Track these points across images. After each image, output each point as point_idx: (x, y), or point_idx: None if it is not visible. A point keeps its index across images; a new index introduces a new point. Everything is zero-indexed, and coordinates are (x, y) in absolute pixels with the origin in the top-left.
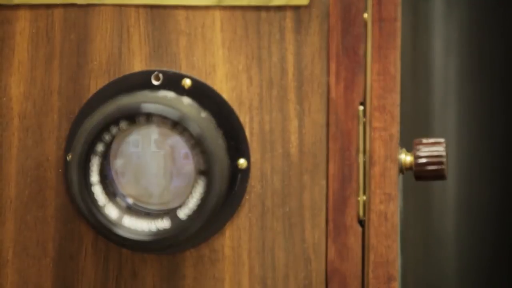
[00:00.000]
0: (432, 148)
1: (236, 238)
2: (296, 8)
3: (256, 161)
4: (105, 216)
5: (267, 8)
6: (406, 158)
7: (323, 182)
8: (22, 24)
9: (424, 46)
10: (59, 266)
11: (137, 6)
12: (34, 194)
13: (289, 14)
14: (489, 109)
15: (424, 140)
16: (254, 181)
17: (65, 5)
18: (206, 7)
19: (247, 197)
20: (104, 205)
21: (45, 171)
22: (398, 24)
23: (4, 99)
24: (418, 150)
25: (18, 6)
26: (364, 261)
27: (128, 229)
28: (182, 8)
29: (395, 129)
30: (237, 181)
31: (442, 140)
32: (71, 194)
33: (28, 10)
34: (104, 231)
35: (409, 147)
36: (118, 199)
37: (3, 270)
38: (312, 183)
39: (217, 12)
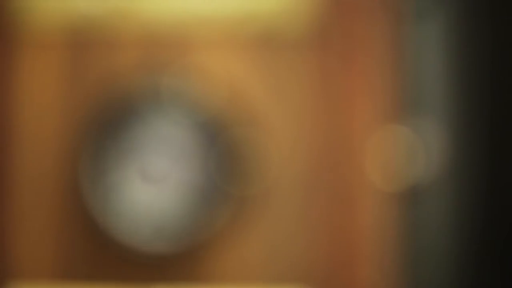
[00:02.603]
0: (415, 175)
1: (236, 250)
2: (297, 41)
3: (262, 177)
4: (111, 226)
5: (273, 42)
6: (397, 169)
7: (320, 197)
8: (37, 56)
9: (415, 62)
10: (66, 269)
11: (154, 43)
12: (43, 200)
13: (291, 46)
14: (476, 116)
15: (413, 154)
16: (255, 196)
17: (76, 41)
18: (215, 42)
19: (247, 212)
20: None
21: (53, 178)
22: (391, 44)
23: (15, 120)
24: (407, 164)
25: (34, 43)
26: (364, 261)
27: (129, 238)
28: (193, 41)
29: (389, 139)
30: (238, 197)
31: (428, 160)
32: (77, 201)
33: (43, 46)
34: (106, 237)
35: (402, 155)
36: (121, 205)
37: (8, 271)
38: (311, 195)
39: (227, 46)
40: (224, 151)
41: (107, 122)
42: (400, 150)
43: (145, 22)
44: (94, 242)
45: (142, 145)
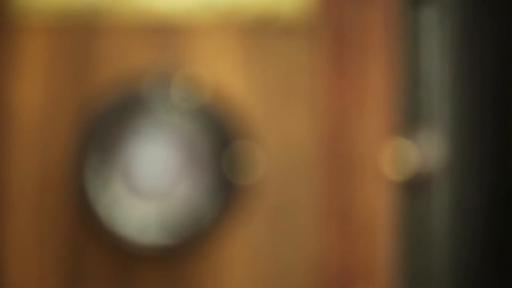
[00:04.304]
0: (422, 163)
1: (238, 243)
2: (295, 30)
3: (260, 170)
4: (107, 221)
5: (270, 30)
6: (396, 172)
7: (323, 188)
8: (32, 45)
9: (420, 53)
10: (64, 267)
11: (143, 29)
12: (41, 198)
13: (289, 35)
14: (480, 112)
15: (417, 149)
16: (256, 189)
17: (75, 28)
18: (212, 30)
19: (249, 206)
20: (106, 210)
21: (52, 176)
22: (392, 33)
23: (13, 110)
24: (407, 166)
25: (33, 29)
26: (362, 261)
27: (131, 233)
28: (190, 29)
29: (390, 134)
30: (240, 190)
31: (434, 147)
32: (79, 201)
33: (38, 32)
34: (108, 233)
35: (405, 151)
36: (120, 204)
37: (8, 270)
38: (313, 189)
39: (224, 34)
40: (222, 141)
41: (109, 114)
42: (404, 143)
43: (142, 9)
44: (98, 241)
45: (142, 136)
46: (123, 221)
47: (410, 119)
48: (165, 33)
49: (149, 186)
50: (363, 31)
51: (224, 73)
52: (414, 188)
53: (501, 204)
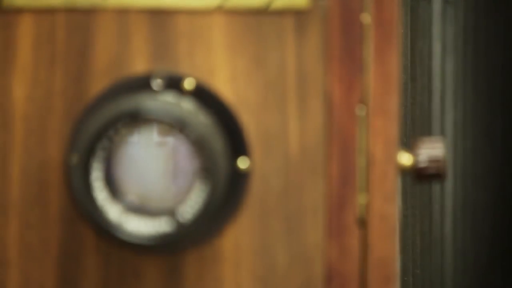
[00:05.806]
0: (432, 149)
1: (236, 238)
2: (296, 12)
3: (257, 162)
4: (106, 218)
5: (267, 13)
6: (405, 159)
7: (323, 183)
8: (25, 28)
9: (422, 47)
10: (62, 267)
11: (139, 11)
12: (37, 195)
13: (289, 17)
14: (487, 109)
15: (424, 141)
16: (254, 182)
17: (67, 10)
18: (207, 12)
19: (247, 198)
20: (106, 208)
21: (48, 172)
22: (397, 25)
23: (7, 101)
24: (417, 151)
25: (21, 10)
26: (363, 261)
27: (130, 231)
28: (183, 12)
29: (395, 130)
30: (237, 183)
31: (441, 140)
32: (73, 196)
33: (31, 14)
34: (105, 232)
35: (409, 148)
36: (120, 201)
37: (6, 270)
38: (312, 184)
39: (218, 17)
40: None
41: (107, 103)
42: (410, 142)
43: None
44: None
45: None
46: (122, 213)
47: (413, 117)
48: (164, 16)
49: (154, 194)
50: (368, 20)
51: (217, 58)
52: (420, 187)
53: (507, 205)
